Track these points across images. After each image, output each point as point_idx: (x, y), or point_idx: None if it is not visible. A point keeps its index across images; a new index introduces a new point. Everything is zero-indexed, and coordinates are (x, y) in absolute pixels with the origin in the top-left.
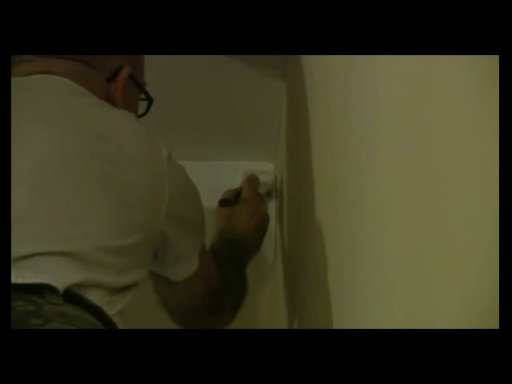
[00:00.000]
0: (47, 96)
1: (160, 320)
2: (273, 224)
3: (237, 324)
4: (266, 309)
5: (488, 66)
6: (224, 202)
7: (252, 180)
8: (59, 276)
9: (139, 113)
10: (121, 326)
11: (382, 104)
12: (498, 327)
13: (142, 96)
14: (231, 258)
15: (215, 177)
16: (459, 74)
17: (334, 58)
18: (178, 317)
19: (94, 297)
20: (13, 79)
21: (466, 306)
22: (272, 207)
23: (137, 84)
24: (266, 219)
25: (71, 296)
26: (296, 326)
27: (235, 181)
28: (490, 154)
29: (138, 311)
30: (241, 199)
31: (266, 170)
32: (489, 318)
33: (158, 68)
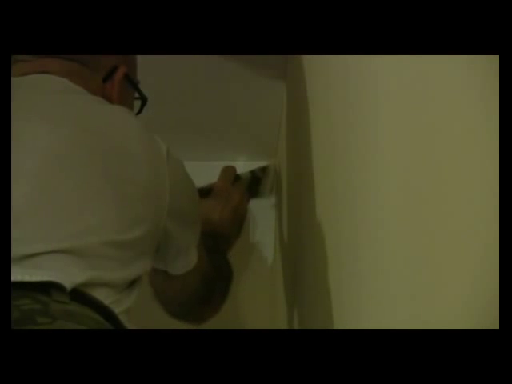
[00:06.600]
0: (46, 95)
1: (158, 318)
2: (273, 224)
3: (237, 324)
4: (266, 309)
5: (488, 65)
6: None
7: (226, 170)
8: (65, 274)
9: (134, 112)
10: (128, 325)
11: (382, 104)
12: (498, 327)
13: (136, 95)
14: (213, 246)
15: (215, 177)
16: (459, 73)
17: (334, 58)
18: (173, 308)
19: (101, 295)
20: (11, 79)
21: (466, 306)
22: (272, 208)
23: (132, 83)
24: (241, 206)
25: (78, 294)
26: (296, 326)
27: None
28: (490, 153)
29: (140, 310)
30: (213, 191)
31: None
32: (489, 318)
33: (157, 68)
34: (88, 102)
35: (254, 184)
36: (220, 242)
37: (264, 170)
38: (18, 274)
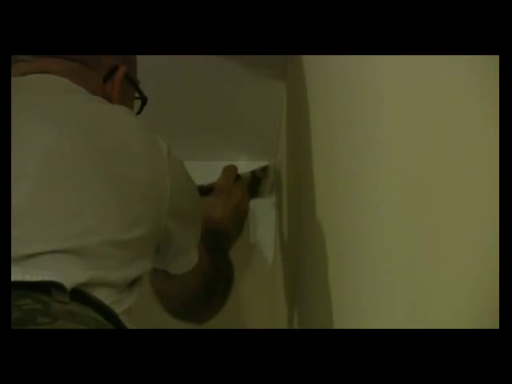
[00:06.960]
0: (46, 95)
1: (158, 318)
2: (273, 224)
3: (237, 324)
4: (266, 309)
5: (488, 65)
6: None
7: (228, 169)
8: (66, 274)
9: (134, 112)
10: (128, 325)
11: (382, 104)
12: (498, 327)
13: (136, 95)
14: (214, 245)
15: (215, 177)
16: (459, 73)
17: (334, 58)
18: (173, 308)
19: (101, 295)
20: (11, 79)
21: (466, 306)
22: (272, 208)
23: (132, 83)
24: (242, 204)
25: (78, 294)
26: (296, 326)
27: None
28: (490, 153)
29: (140, 310)
30: (215, 189)
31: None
32: (489, 318)
33: (158, 68)
34: (88, 101)
35: (254, 184)
36: (221, 240)
37: (264, 169)
38: (18, 274)
